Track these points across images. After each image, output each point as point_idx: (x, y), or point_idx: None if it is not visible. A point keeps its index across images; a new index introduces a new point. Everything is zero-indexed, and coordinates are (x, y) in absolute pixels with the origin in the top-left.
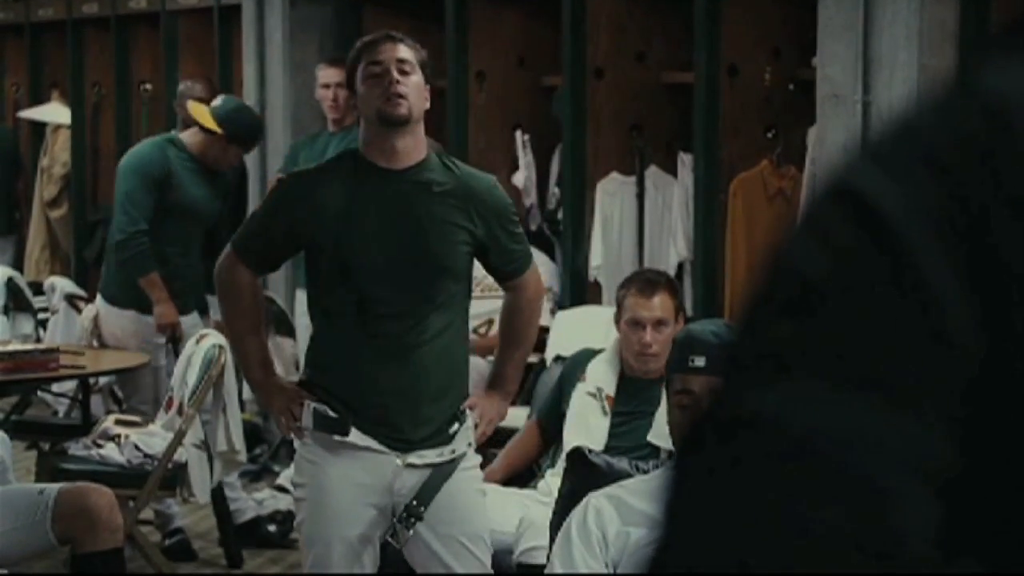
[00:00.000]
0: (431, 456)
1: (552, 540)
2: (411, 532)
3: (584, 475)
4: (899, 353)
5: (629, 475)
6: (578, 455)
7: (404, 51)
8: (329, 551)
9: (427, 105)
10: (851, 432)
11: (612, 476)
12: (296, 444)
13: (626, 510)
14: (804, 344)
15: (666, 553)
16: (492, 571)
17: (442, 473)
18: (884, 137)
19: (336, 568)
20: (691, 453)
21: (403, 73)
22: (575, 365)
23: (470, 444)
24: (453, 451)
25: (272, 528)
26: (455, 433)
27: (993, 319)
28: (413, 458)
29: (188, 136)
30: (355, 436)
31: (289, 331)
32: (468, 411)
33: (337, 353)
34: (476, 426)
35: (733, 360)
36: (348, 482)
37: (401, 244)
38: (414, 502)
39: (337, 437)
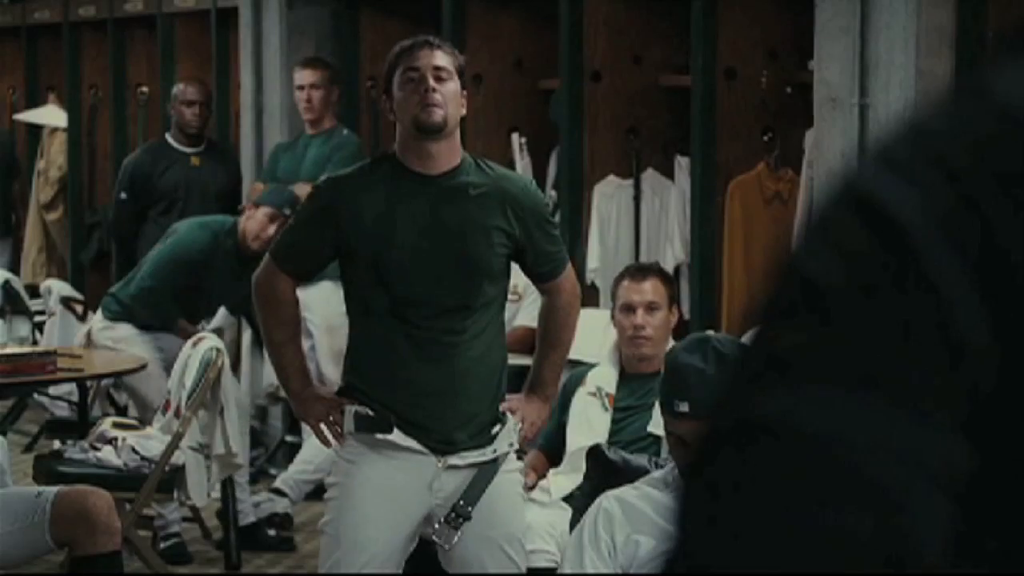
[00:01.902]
0: (473, 456)
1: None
2: (460, 532)
3: (601, 473)
4: (913, 358)
5: (647, 471)
6: (597, 453)
7: (441, 57)
8: (354, 555)
9: (463, 111)
10: (866, 437)
11: (629, 473)
12: (335, 446)
13: (636, 515)
14: (818, 349)
15: (682, 557)
16: (525, 573)
17: (486, 473)
18: (895, 141)
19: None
20: (706, 457)
21: (439, 80)
22: (577, 377)
23: (512, 445)
24: (495, 451)
25: (272, 532)
26: (497, 434)
27: (1006, 324)
28: (455, 459)
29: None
30: (397, 436)
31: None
32: (509, 414)
33: (376, 357)
34: (519, 429)
35: (746, 366)
36: (384, 484)
37: (439, 248)
38: (461, 502)
39: (380, 435)
